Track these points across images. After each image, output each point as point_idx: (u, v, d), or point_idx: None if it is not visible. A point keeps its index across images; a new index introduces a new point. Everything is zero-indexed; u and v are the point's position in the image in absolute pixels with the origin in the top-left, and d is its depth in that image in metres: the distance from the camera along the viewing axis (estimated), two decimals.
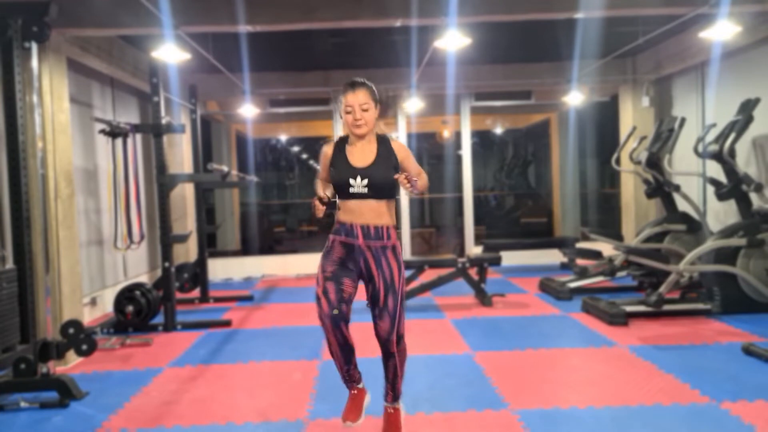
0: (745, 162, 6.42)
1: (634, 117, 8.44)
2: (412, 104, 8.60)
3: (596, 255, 7.53)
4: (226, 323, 5.72)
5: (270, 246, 10.77)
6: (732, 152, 5.67)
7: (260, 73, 8.21)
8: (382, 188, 2.85)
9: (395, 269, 2.88)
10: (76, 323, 4.03)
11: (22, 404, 3.73)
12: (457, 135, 9.64)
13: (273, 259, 9.20)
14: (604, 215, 10.35)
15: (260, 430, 3.29)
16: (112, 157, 5.45)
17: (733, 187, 5.75)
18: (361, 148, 2.90)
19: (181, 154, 8.34)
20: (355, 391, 3.03)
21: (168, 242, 5.59)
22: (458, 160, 9.55)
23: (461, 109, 9.31)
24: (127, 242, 5.61)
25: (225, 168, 6.29)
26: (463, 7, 4.94)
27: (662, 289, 5.32)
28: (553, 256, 8.79)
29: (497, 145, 12.58)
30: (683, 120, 6.46)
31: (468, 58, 7.51)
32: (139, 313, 5.48)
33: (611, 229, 8.87)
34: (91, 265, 6.26)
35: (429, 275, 6.52)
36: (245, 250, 10.33)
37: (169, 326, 5.54)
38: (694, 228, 6.51)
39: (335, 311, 2.78)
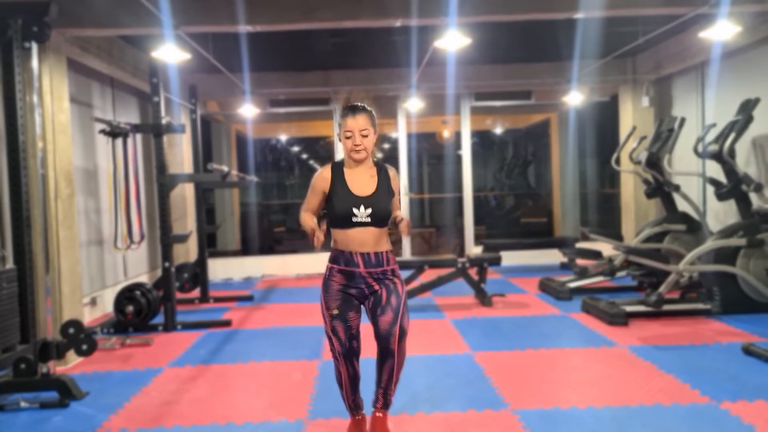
0: (745, 162, 6.42)
1: (634, 117, 8.44)
2: (412, 104, 8.60)
3: (596, 255, 7.54)
4: (226, 323, 5.72)
5: (270, 246, 10.77)
6: (732, 152, 5.67)
7: (260, 73, 8.21)
8: (384, 217, 2.90)
9: (398, 284, 2.96)
10: (76, 323, 4.03)
11: (22, 404, 3.73)
12: (457, 135, 9.64)
13: (273, 259, 9.20)
14: (604, 215, 10.35)
15: (260, 430, 3.29)
16: (112, 157, 5.45)
17: (733, 187, 5.75)
18: (360, 175, 2.92)
19: (181, 154, 8.34)
20: (359, 417, 3.06)
21: (168, 242, 5.59)
22: (458, 160, 9.55)
23: (461, 109, 9.31)
24: (127, 242, 5.61)
25: (225, 168, 6.29)
26: (463, 7, 4.94)
27: (662, 289, 5.32)
28: (553, 256, 8.79)
29: (497, 145, 12.58)
30: (683, 120, 6.46)
31: (468, 58, 7.51)
32: (139, 313, 5.48)
33: (611, 229, 8.87)
34: (91, 265, 6.26)
35: (429, 275, 6.52)
36: (245, 250, 10.33)
37: (169, 326, 5.55)
38: (694, 228, 6.51)
39: (347, 348, 2.88)
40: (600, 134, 10.33)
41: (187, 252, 8.15)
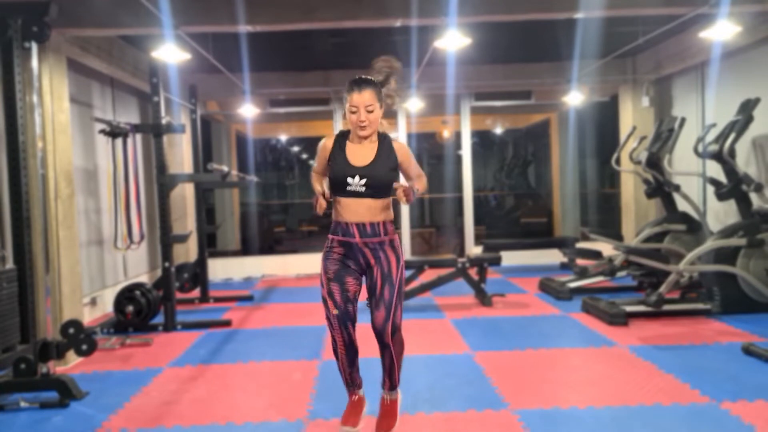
0: (745, 162, 6.42)
1: (634, 117, 8.44)
2: (412, 104, 8.60)
3: (596, 255, 7.54)
4: (226, 323, 5.72)
5: (270, 246, 10.77)
6: (732, 152, 5.67)
7: (260, 73, 8.21)
8: (380, 188, 2.85)
9: (393, 261, 2.90)
10: (76, 323, 4.02)
11: (22, 404, 3.73)
12: (457, 135, 9.64)
13: (273, 259, 9.20)
14: (604, 215, 10.35)
15: (260, 430, 3.29)
16: (112, 157, 5.45)
17: (733, 187, 5.75)
18: (361, 147, 2.90)
19: (181, 154, 8.34)
20: (356, 397, 3.05)
21: (168, 242, 5.59)
22: (458, 160, 9.55)
23: (461, 109, 9.31)
24: (127, 242, 5.61)
25: (225, 168, 6.29)
26: (463, 7, 4.94)
27: (662, 289, 5.32)
28: (553, 256, 8.79)
29: (497, 145, 12.58)
30: (683, 120, 6.46)
31: (468, 58, 7.51)
32: (139, 313, 5.48)
33: (611, 229, 8.87)
34: (91, 265, 6.26)
35: (429, 275, 6.52)
36: (245, 250, 10.33)
37: (169, 326, 5.55)
38: (694, 228, 6.51)
39: (342, 310, 2.82)
40: (600, 134, 10.33)
41: (187, 252, 8.15)
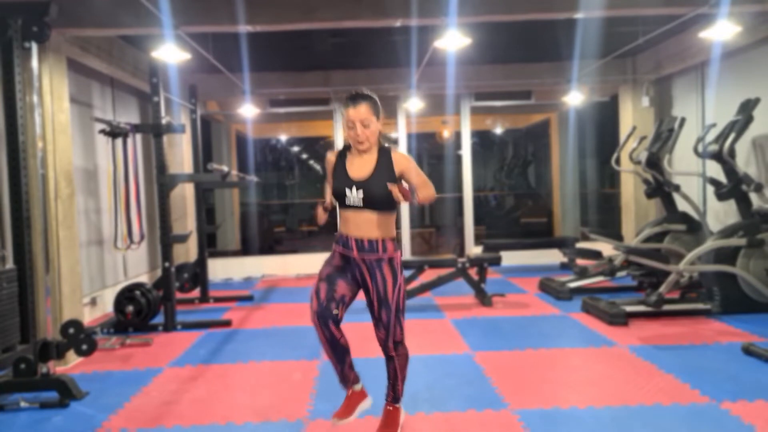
0: (745, 162, 6.42)
1: (634, 117, 8.44)
2: (412, 104, 8.60)
3: (596, 255, 7.54)
4: (226, 323, 5.72)
5: (270, 246, 10.77)
6: (732, 152, 5.67)
7: (260, 73, 8.21)
8: (379, 201, 2.85)
9: (389, 282, 2.89)
10: (76, 323, 4.02)
11: (22, 404, 3.73)
12: (457, 135, 9.64)
13: (273, 259, 9.19)
14: (604, 215, 10.35)
15: (260, 430, 3.29)
16: (112, 157, 5.45)
17: (733, 187, 5.75)
18: (361, 159, 2.92)
19: (181, 154, 8.34)
20: (350, 392, 3.04)
21: (168, 242, 5.59)
22: (458, 160, 9.55)
23: (461, 109, 9.31)
24: (127, 242, 5.61)
25: (225, 168, 6.29)
26: (463, 7, 4.94)
27: (662, 289, 5.32)
28: (553, 256, 8.79)
29: (497, 145, 12.58)
30: (683, 120, 6.46)
31: (468, 58, 7.51)
32: (139, 313, 5.48)
33: (611, 229, 8.88)
34: (91, 265, 6.26)
35: (429, 275, 6.52)
36: (245, 250, 10.33)
37: (169, 326, 5.55)
38: (694, 228, 6.51)
39: (322, 307, 2.81)
40: (600, 134, 10.33)
41: (187, 252, 8.15)
